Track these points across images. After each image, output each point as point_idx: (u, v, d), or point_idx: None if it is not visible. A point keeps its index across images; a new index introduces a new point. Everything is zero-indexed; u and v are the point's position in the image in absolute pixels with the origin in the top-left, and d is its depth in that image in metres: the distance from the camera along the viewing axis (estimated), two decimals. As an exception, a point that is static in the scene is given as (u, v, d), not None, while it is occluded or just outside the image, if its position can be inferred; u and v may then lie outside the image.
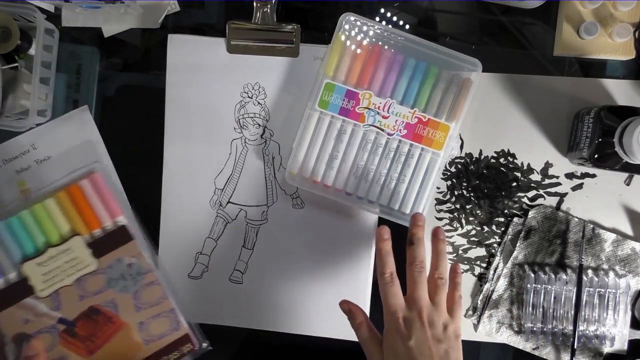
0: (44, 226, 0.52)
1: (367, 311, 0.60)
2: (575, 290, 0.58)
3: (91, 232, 0.53)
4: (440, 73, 0.56)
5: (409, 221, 0.53)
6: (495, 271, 0.60)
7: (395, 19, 0.60)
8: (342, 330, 0.60)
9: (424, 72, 0.56)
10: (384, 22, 0.59)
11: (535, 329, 0.59)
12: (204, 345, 0.56)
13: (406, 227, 0.54)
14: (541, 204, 0.59)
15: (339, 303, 0.52)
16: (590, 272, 0.59)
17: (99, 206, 0.53)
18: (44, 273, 0.51)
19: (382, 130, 0.56)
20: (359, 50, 0.56)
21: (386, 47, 0.56)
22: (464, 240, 0.60)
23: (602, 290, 0.58)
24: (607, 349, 0.59)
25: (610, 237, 0.59)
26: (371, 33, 0.56)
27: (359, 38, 0.56)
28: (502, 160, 0.60)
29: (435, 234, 0.52)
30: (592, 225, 0.59)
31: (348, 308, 0.51)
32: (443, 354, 0.46)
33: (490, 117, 0.60)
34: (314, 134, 0.57)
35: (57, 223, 0.52)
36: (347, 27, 0.56)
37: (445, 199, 0.60)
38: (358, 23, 0.56)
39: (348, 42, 0.56)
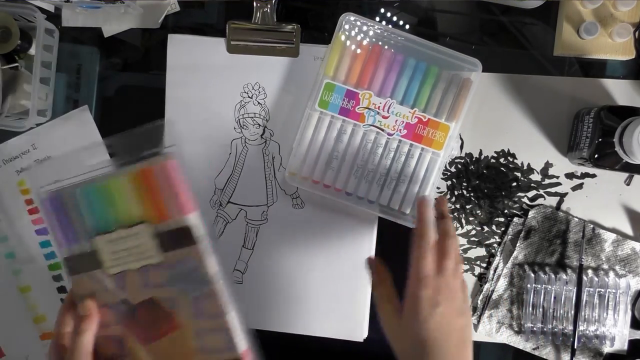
0: (116, 204, 0.49)
1: (367, 312, 0.60)
2: (575, 290, 0.58)
3: (160, 223, 0.48)
4: (440, 73, 0.56)
5: (417, 206, 0.50)
6: (495, 271, 0.60)
7: (395, 19, 0.60)
8: (342, 330, 0.60)
9: (424, 72, 0.56)
10: (384, 22, 0.59)
11: (535, 329, 0.59)
12: None
13: (405, 227, 0.54)
14: (541, 204, 0.59)
15: (366, 259, 0.52)
16: (590, 272, 0.59)
17: (171, 198, 0.49)
18: (112, 251, 0.49)
19: (382, 130, 0.56)
20: (359, 50, 0.56)
21: (386, 47, 0.56)
22: (464, 240, 0.60)
23: (602, 290, 0.58)
24: (607, 349, 0.59)
25: (610, 237, 0.59)
26: (371, 33, 0.56)
27: (359, 38, 0.56)
28: (502, 160, 0.60)
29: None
30: (592, 225, 0.59)
31: (375, 264, 0.50)
32: (460, 329, 0.45)
33: (490, 117, 0.60)
34: (314, 133, 0.57)
35: (129, 204, 0.49)
36: (347, 27, 0.56)
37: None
38: (358, 23, 0.56)
39: (348, 42, 0.56)
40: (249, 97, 0.60)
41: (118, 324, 0.49)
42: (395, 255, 0.61)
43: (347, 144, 0.57)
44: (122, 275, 0.49)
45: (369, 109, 0.56)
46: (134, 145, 0.53)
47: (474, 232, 0.60)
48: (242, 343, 0.50)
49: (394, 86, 0.56)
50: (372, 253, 0.60)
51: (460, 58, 0.55)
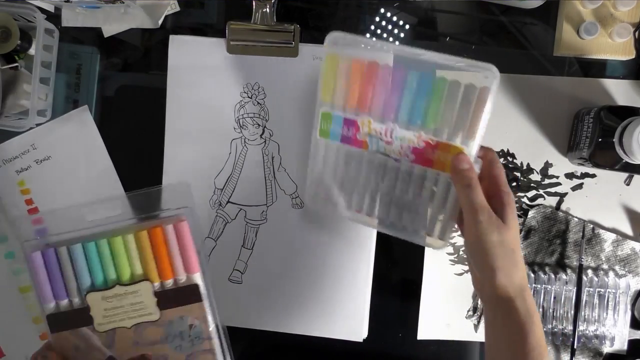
0: (119, 261, 0.50)
1: (367, 311, 0.60)
2: (575, 290, 0.58)
3: (162, 282, 0.50)
4: (449, 85, 0.47)
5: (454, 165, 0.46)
6: (495, 271, 0.60)
7: (395, 19, 0.60)
8: (342, 330, 0.60)
9: (430, 86, 0.47)
10: (379, 30, 0.59)
11: (535, 329, 0.59)
12: None
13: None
14: (541, 204, 0.59)
15: (452, 159, 0.46)
16: (590, 272, 0.59)
17: (177, 257, 0.50)
18: (106, 308, 0.49)
19: (388, 156, 0.50)
20: (352, 71, 0.49)
21: (383, 63, 0.49)
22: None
23: (602, 290, 0.58)
24: (607, 349, 0.59)
25: (610, 237, 0.59)
26: (363, 49, 0.49)
27: (350, 57, 0.49)
28: (502, 160, 0.60)
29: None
30: (592, 225, 0.59)
31: (467, 160, 0.46)
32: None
33: (490, 117, 0.59)
34: (324, 159, 0.53)
35: (131, 262, 0.50)
36: (335, 47, 0.49)
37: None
38: (347, 41, 0.49)
39: (339, 64, 0.49)
40: (248, 97, 0.60)
41: None
42: (396, 254, 0.61)
43: (356, 168, 0.52)
44: (113, 332, 0.50)
45: (371, 135, 0.49)
46: (144, 203, 0.54)
47: (473, 232, 0.60)
48: None
49: (398, 106, 0.48)
50: (372, 253, 0.60)
51: (472, 65, 0.46)
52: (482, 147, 0.47)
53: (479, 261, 0.45)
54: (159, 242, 0.50)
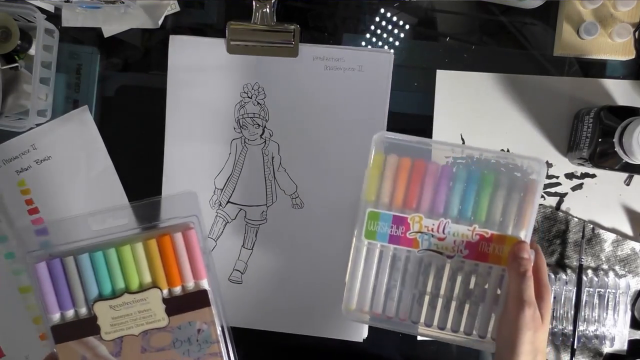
0: (127, 270, 0.50)
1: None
2: (575, 290, 0.58)
3: (171, 289, 0.50)
4: (497, 180, 0.48)
5: (515, 245, 0.47)
6: (495, 271, 0.60)
7: (395, 19, 0.60)
8: (342, 330, 0.60)
9: (479, 182, 0.48)
10: (379, 31, 0.59)
11: (535, 329, 0.59)
12: None
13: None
14: (541, 204, 0.59)
15: (513, 246, 0.47)
16: (590, 272, 0.59)
17: (186, 264, 0.51)
18: (114, 317, 0.49)
19: (441, 253, 0.48)
20: (400, 170, 0.49)
21: (430, 160, 0.49)
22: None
23: (602, 290, 0.58)
24: (607, 349, 0.59)
25: (610, 237, 0.59)
26: (411, 148, 0.49)
27: (397, 156, 0.49)
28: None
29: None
30: (592, 225, 0.59)
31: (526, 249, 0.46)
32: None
33: (491, 117, 0.60)
34: (366, 265, 0.50)
35: (140, 270, 0.50)
36: (383, 146, 0.49)
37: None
38: (394, 140, 0.49)
39: (386, 163, 0.49)
40: (248, 97, 0.60)
41: None
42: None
43: (403, 270, 0.50)
44: (120, 340, 0.50)
45: (422, 232, 0.48)
46: (151, 212, 0.54)
47: (473, 232, 0.60)
48: None
49: (447, 203, 0.48)
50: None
51: (518, 158, 0.48)
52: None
53: (504, 350, 0.45)
54: (167, 251, 0.50)
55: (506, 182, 0.48)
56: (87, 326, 0.49)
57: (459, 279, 0.49)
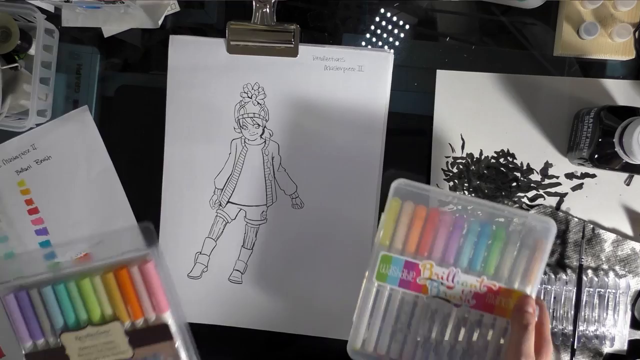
0: (88, 302, 0.51)
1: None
2: (575, 290, 0.58)
3: (133, 321, 0.51)
4: (508, 236, 0.50)
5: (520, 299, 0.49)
6: (495, 271, 0.60)
7: (395, 19, 0.60)
8: (342, 330, 0.60)
9: (490, 236, 0.50)
10: (379, 31, 0.59)
11: (535, 329, 0.59)
12: None
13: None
14: (541, 204, 0.59)
15: (519, 299, 0.48)
16: (590, 272, 0.59)
17: (145, 297, 0.52)
18: (80, 347, 0.51)
19: (448, 301, 0.50)
20: (415, 217, 0.51)
21: (445, 210, 0.51)
22: (463, 241, 0.60)
23: (602, 290, 0.58)
24: (607, 349, 0.59)
25: (610, 237, 0.59)
26: (427, 197, 0.51)
27: (414, 203, 0.51)
28: (502, 160, 0.60)
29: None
30: (592, 225, 0.59)
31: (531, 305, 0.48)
32: None
33: (490, 117, 0.60)
34: (374, 305, 0.52)
35: (101, 302, 0.51)
36: (400, 193, 0.51)
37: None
38: (412, 189, 0.51)
39: (403, 209, 0.51)
40: (248, 97, 0.60)
41: None
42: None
43: (410, 315, 0.51)
44: None
45: (432, 279, 0.50)
46: (112, 244, 0.57)
47: (473, 232, 0.60)
48: None
49: (458, 252, 0.50)
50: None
51: (530, 217, 0.50)
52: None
53: None
54: (125, 284, 0.52)
55: (516, 238, 0.50)
56: (57, 356, 0.51)
57: (464, 327, 0.50)
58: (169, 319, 0.52)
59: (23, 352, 0.51)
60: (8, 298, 0.51)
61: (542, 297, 0.58)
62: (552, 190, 0.60)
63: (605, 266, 0.59)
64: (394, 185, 0.51)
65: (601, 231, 0.59)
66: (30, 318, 0.51)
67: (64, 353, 0.51)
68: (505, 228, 0.50)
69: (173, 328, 0.52)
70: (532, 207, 0.59)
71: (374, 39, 0.60)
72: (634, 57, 0.58)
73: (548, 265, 0.59)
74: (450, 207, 0.52)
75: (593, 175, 0.59)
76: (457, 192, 0.57)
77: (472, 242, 0.50)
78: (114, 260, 0.52)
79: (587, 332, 0.58)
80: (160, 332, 0.51)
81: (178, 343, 0.52)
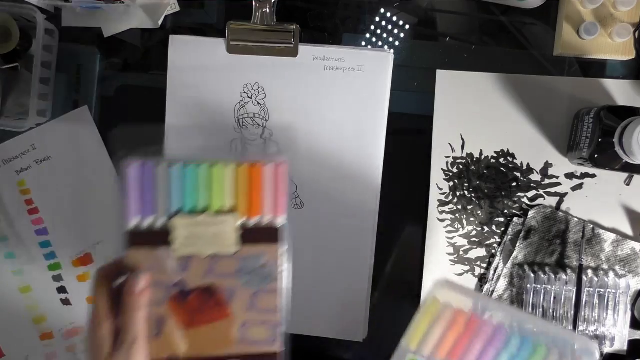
0: (213, 190, 0.49)
1: (367, 311, 0.60)
2: (575, 290, 0.58)
3: (248, 218, 0.49)
4: (548, 354, 0.47)
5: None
6: (495, 271, 0.60)
7: (395, 19, 0.60)
8: (342, 330, 0.60)
9: (530, 352, 0.47)
10: (379, 31, 0.59)
11: (535, 329, 0.59)
12: None
13: (404, 227, 0.54)
14: (541, 204, 0.59)
15: None
16: (590, 272, 0.59)
17: (269, 197, 0.50)
18: (188, 234, 0.49)
19: None
20: (453, 323, 0.48)
21: (486, 319, 0.48)
22: (464, 241, 0.60)
23: (602, 290, 0.58)
24: (607, 349, 0.59)
25: (610, 237, 0.59)
26: (469, 301, 0.49)
27: (454, 307, 0.48)
28: (502, 160, 0.60)
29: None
30: (592, 225, 0.59)
31: None
32: None
33: (490, 117, 0.60)
34: None
35: (224, 192, 0.49)
36: (441, 293, 0.49)
37: (447, 200, 0.60)
38: (453, 287, 0.49)
39: (441, 312, 0.48)
40: (248, 97, 0.60)
41: (162, 304, 0.48)
42: (396, 254, 0.61)
43: None
44: (188, 259, 0.49)
45: None
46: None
47: (474, 232, 0.60)
48: (281, 341, 0.51)
49: None
50: (372, 253, 0.60)
51: (572, 337, 0.47)
52: None
53: None
54: (256, 178, 0.49)
55: (555, 356, 0.47)
56: (161, 237, 0.48)
57: None
58: (283, 222, 0.50)
59: (126, 228, 0.48)
60: (132, 166, 0.48)
61: (542, 297, 0.58)
62: (552, 190, 0.60)
63: (605, 266, 0.59)
64: (437, 283, 0.48)
65: (601, 231, 0.59)
66: (146, 193, 0.48)
67: (168, 236, 0.48)
68: (546, 346, 0.47)
69: (284, 233, 0.50)
70: (532, 206, 0.59)
71: (374, 39, 0.60)
72: (634, 57, 0.58)
73: (548, 265, 0.59)
74: (491, 315, 0.49)
75: (593, 175, 0.59)
76: (506, 304, 0.54)
77: (510, 355, 0.47)
78: (252, 156, 0.51)
79: (587, 332, 0.58)
80: (269, 234, 0.50)
81: (284, 249, 0.50)
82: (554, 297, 0.58)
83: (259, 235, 0.50)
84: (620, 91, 0.58)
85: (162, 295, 0.49)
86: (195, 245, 0.49)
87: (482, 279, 0.60)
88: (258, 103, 0.60)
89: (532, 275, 0.59)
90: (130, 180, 0.48)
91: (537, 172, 0.60)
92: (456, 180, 0.60)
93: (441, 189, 0.60)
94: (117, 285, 0.47)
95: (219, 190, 0.49)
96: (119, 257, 0.48)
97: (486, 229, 0.60)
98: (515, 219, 0.59)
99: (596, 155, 0.53)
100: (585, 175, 0.59)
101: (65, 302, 0.62)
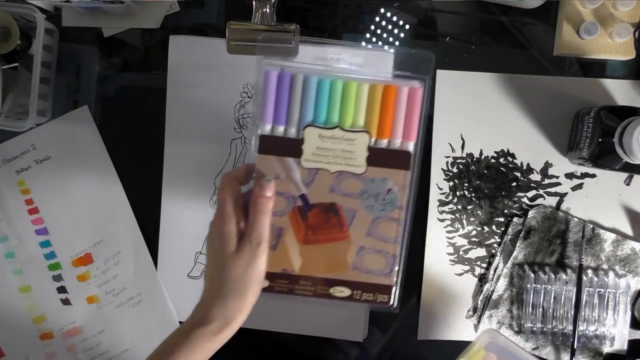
0: (346, 106, 0.48)
1: (367, 310, 0.60)
2: (575, 290, 0.58)
3: (377, 139, 0.48)
4: None
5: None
6: (495, 271, 0.60)
7: (395, 19, 0.60)
8: (342, 330, 0.60)
9: None
10: (379, 31, 0.59)
11: (535, 329, 0.59)
12: (395, 306, 0.51)
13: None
14: (541, 204, 0.59)
15: None
16: (590, 272, 0.59)
17: (401, 120, 0.49)
18: (318, 146, 0.48)
19: None
20: None
21: None
22: (464, 241, 0.60)
23: (602, 290, 0.58)
24: (606, 348, 0.59)
25: (610, 237, 0.59)
26: (513, 355, 0.50)
27: (496, 356, 0.49)
28: (502, 160, 0.60)
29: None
30: (592, 225, 0.59)
31: None
32: None
33: (491, 117, 0.60)
34: None
35: (357, 110, 0.48)
36: (486, 344, 0.49)
37: (447, 200, 0.60)
38: (502, 344, 0.50)
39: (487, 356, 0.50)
40: (248, 97, 0.60)
41: (283, 216, 0.49)
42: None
43: None
44: (315, 172, 0.48)
45: None
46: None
47: (474, 232, 0.60)
48: (395, 276, 0.50)
49: None
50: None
51: None
52: None
53: None
54: (389, 100, 0.48)
55: None
56: (291, 146, 0.48)
57: None
58: (412, 148, 0.49)
59: (259, 132, 0.48)
60: (271, 73, 0.48)
61: (542, 297, 0.58)
62: (552, 190, 0.60)
63: (605, 266, 0.59)
64: (484, 333, 0.48)
65: (601, 231, 0.59)
66: (282, 101, 0.48)
67: (299, 146, 0.48)
68: None
69: (413, 159, 0.49)
70: (532, 206, 0.59)
71: (374, 39, 0.60)
72: (634, 57, 0.58)
73: (548, 265, 0.59)
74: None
75: (593, 175, 0.59)
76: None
77: None
78: (386, 78, 0.49)
79: (587, 332, 0.58)
80: (399, 159, 0.49)
81: (411, 175, 0.49)
82: (554, 297, 0.58)
83: (388, 159, 0.49)
84: (620, 91, 0.58)
85: (284, 207, 0.48)
86: (323, 159, 0.48)
87: (482, 279, 0.60)
88: (258, 103, 0.60)
89: (532, 275, 0.59)
90: (268, 87, 0.48)
91: (537, 172, 0.60)
92: (456, 180, 0.60)
93: (441, 189, 0.60)
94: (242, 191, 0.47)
95: (351, 106, 0.48)
96: (247, 164, 0.48)
97: (486, 228, 0.60)
98: (515, 219, 0.59)
99: (596, 155, 0.53)
100: (585, 175, 0.59)
101: (65, 302, 0.62)
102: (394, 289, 0.50)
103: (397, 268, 0.50)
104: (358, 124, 0.48)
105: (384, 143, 0.49)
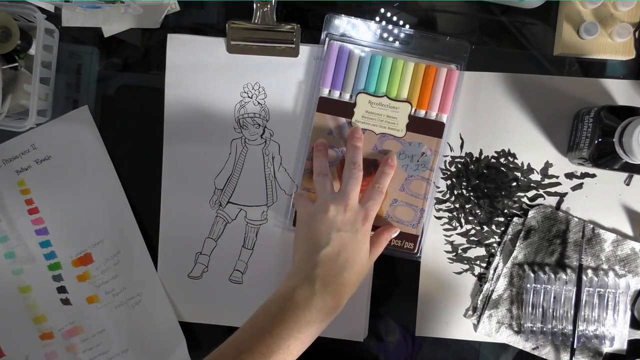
0: (393, 79, 0.57)
1: (367, 311, 0.60)
2: (575, 290, 0.58)
3: (417, 110, 0.58)
4: None
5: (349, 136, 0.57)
6: (495, 271, 0.60)
7: (395, 19, 0.60)
8: (342, 330, 0.60)
9: None
10: (379, 31, 0.59)
11: (534, 328, 0.59)
12: (419, 255, 0.59)
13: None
14: (541, 204, 0.59)
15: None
16: (590, 272, 0.59)
17: (438, 95, 0.58)
18: (367, 110, 0.57)
19: None
20: None
21: None
22: (463, 240, 0.60)
23: (602, 290, 0.58)
24: (606, 348, 0.59)
25: (610, 237, 0.59)
26: None
27: None
28: (502, 160, 0.60)
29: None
30: (592, 225, 0.59)
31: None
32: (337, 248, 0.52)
33: (491, 117, 0.60)
34: None
35: (402, 84, 0.58)
36: None
37: (444, 198, 0.60)
38: None
39: None
40: (248, 97, 0.60)
41: (332, 166, 0.58)
42: (395, 254, 0.61)
43: None
44: (362, 132, 0.58)
45: None
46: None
47: (473, 231, 0.60)
48: (420, 227, 0.59)
49: None
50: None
51: None
52: None
53: None
54: (429, 77, 0.57)
55: None
56: (344, 109, 0.58)
57: None
58: (445, 120, 0.58)
59: (320, 95, 0.58)
60: (334, 44, 0.58)
61: (542, 297, 0.58)
62: (552, 190, 0.60)
63: (605, 266, 0.59)
64: None
65: (601, 231, 0.59)
66: (340, 69, 0.58)
67: (351, 109, 0.58)
68: None
69: (446, 130, 0.58)
70: (532, 206, 0.59)
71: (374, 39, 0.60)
72: (634, 57, 0.58)
73: (548, 265, 0.59)
74: None
75: (593, 175, 0.59)
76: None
77: None
78: (428, 59, 0.59)
79: (587, 331, 0.58)
80: (434, 128, 0.58)
81: (443, 142, 0.58)
82: (554, 297, 0.58)
83: (425, 127, 0.58)
84: (620, 91, 0.58)
85: (333, 159, 0.59)
86: (370, 122, 0.58)
87: (482, 278, 0.60)
88: (258, 103, 0.60)
89: (532, 274, 0.59)
90: (330, 57, 0.58)
91: (537, 172, 0.60)
92: (454, 179, 0.60)
93: (438, 187, 0.60)
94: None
95: (398, 80, 0.58)
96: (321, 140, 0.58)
97: (485, 228, 0.60)
98: (515, 219, 0.59)
99: (596, 155, 0.53)
100: (585, 175, 0.59)
101: (65, 302, 0.62)
102: (419, 238, 0.59)
103: (423, 220, 0.59)
104: (402, 95, 0.58)
105: (422, 113, 0.58)
